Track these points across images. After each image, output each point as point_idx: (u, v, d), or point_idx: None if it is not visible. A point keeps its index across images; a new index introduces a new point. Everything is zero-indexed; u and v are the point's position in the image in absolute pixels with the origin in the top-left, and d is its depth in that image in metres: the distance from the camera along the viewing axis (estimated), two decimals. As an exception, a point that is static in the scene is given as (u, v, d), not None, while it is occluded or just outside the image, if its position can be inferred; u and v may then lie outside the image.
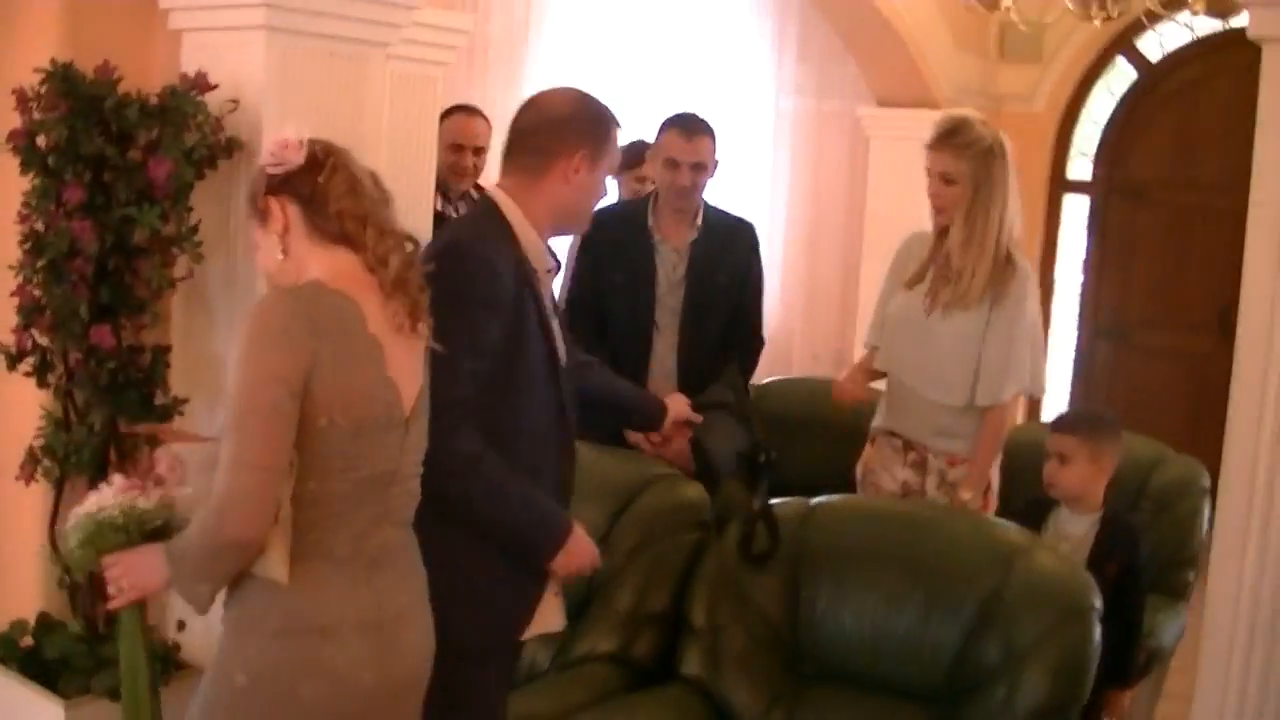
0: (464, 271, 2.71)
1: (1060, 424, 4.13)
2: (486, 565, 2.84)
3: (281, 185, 2.53)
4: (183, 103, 3.59)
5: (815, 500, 3.86)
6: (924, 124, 7.40)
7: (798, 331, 8.06)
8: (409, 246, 2.56)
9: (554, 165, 2.81)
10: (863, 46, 7.60)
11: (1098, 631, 3.40)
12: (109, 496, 2.70)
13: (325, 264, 2.51)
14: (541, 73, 6.52)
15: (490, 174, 5.26)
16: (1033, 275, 4.10)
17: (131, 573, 2.59)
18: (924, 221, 7.20)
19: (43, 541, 4.11)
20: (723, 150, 4.54)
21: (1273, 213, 2.91)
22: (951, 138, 4.00)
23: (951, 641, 3.44)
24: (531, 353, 2.79)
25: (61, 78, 3.55)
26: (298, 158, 2.52)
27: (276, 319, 2.39)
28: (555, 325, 2.92)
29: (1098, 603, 3.43)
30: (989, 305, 3.98)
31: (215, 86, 3.65)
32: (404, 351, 2.51)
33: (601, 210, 4.09)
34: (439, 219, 4.72)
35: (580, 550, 2.90)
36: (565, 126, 2.83)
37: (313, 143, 2.55)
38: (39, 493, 4.10)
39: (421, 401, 2.56)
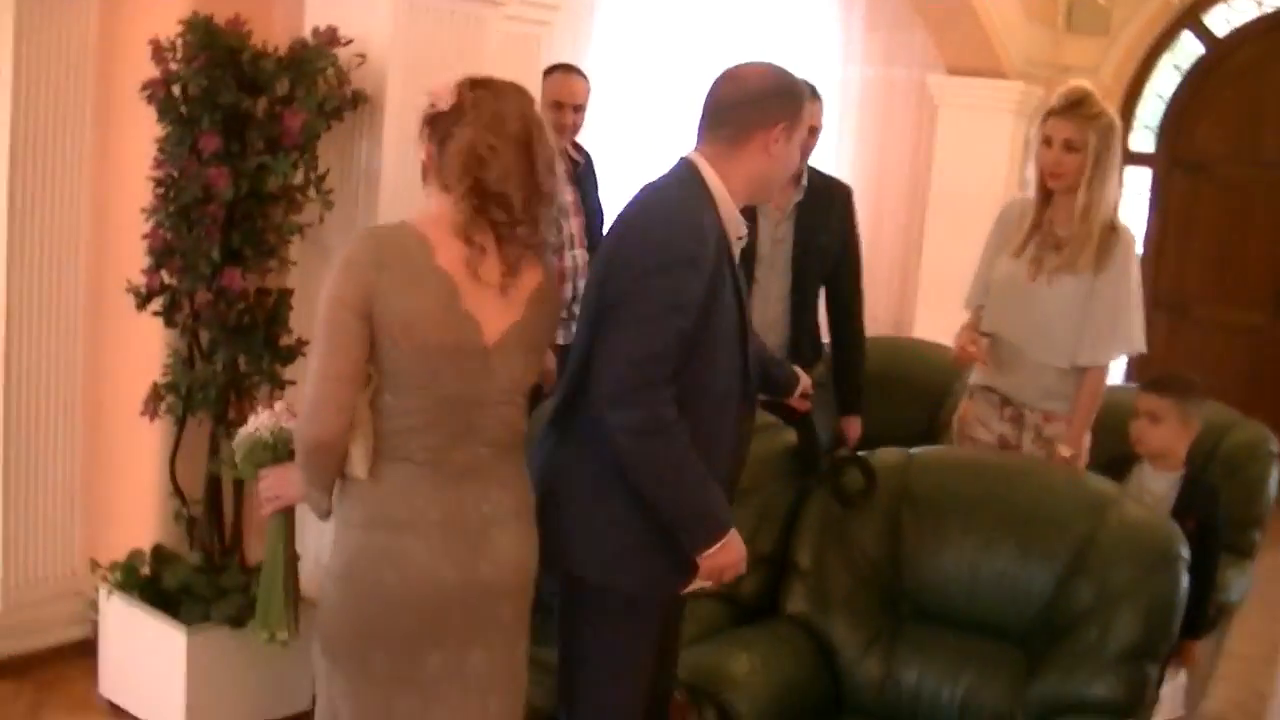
0: (671, 232, 2.80)
1: (1154, 385, 4.26)
2: (645, 533, 2.89)
3: (427, 124, 2.73)
4: (315, 56, 3.74)
5: (914, 450, 4.01)
6: (993, 93, 7.60)
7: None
8: (524, 205, 2.70)
9: (754, 137, 2.89)
10: (933, 14, 7.66)
11: (1185, 579, 3.53)
12: (264, 420, 2.96)
13: (430, 204, 2.73)
14: (608, 42, 6.62)
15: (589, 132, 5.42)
16: (1135, 241, 4.19)
17: (278, 484, 2.89)
18: (990, 188, 7.36)
19: (162, 476, 4.30)
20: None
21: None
22: (1079, 108, 4.07)
23: (1045, 585, 3.58)
24: (724, 313, 2.87)
25: (203, 30, 3.70)
26: (443, 103, 2.69)
27: (348, 253, 2.65)
28: (744, 289, 3.00)
29: (1185, 552, 3.57)
30: (1094, 270, 4.09)
31: (349, 41, 3.79)
32: (489, 288, 2.69)
33: None
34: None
35: (731, 554, 2.91)
36: (767, 100, 2.91)
37: (463, 92, 2.70)
38: (156, 431, 4.28)
39: (513, 336, 2.73)
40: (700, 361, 2.80)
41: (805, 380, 3.47)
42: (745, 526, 3.41)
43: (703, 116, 2.95)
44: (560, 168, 5.11)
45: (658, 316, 2.72)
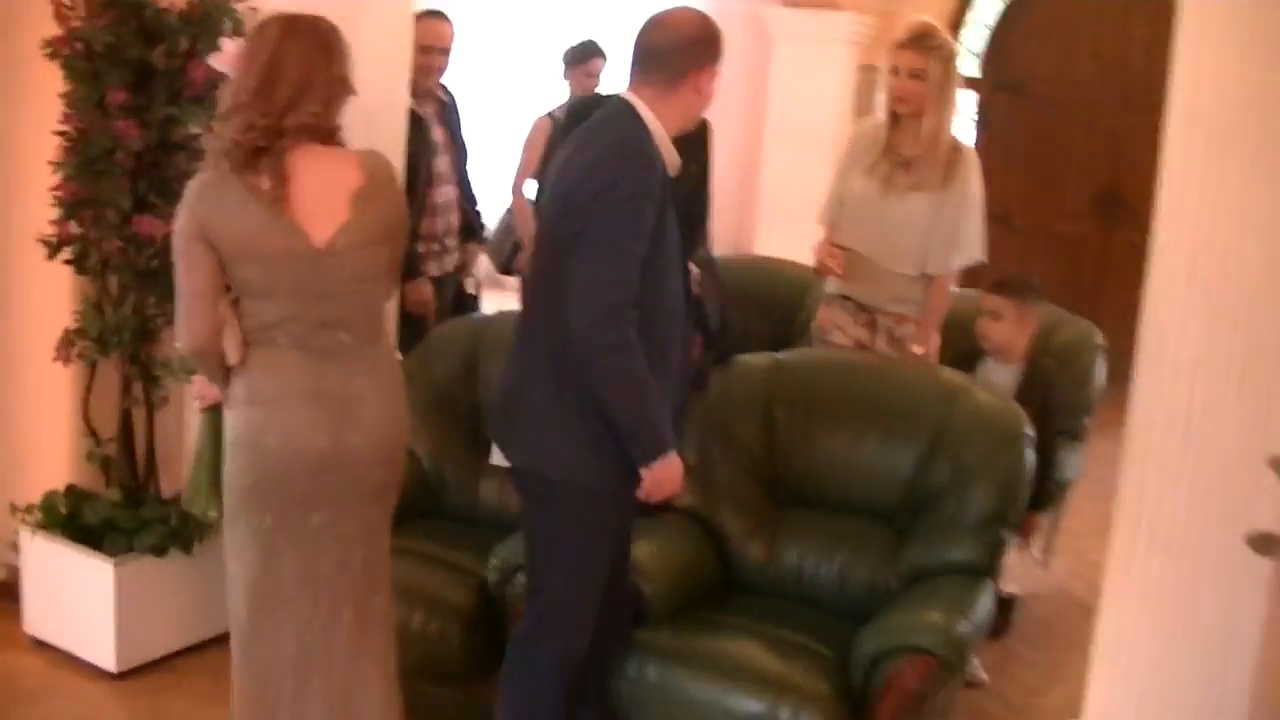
0: (631, 167, 3.12)
1: (996, 286, 4.76)
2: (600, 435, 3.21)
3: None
4: (218, 10, 3.95)
5: (781, 354, 4.41)
6: (828, 25, 7.89)
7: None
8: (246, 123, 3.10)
9: (688, 78, 3.21)
10: None
11: (1031, 454, 3.98)
12: None
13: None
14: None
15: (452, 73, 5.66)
16: (978, 160, 4.61)
17: (202, 386, 3.43)
18: (826, 115, 7.70)
19: (73, 420, 4.49)
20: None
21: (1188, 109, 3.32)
22: (923, 40, 4.47)
23: (907, 467, 4.00)
24: (669, 239, 3.21)
25: (108, -11, 3.90)
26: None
27: (184, 195, 3.18)
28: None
29: (1029, 430, 4.01)
30: (941, 188, 4.50)
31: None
32: (311, 199, 3.12)
33: (585, 99, 4.52)
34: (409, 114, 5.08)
35: (670, 475, 3.25)
36: (696, 45, 3.24)
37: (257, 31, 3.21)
38: (64, 376, 4.47)
39: (343, 236, 3.16)
40: (653, 283, 3.13)
41: (694, 270, 3.78)
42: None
43: (636, 60, 3.25)
44: (429, 106, 5.41)
45: (621, 245, 3.06)
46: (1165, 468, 3.27)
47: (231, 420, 3.25)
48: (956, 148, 4.55)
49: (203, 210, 3.11)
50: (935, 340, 4.65)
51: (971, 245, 4.56)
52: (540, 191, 4.39)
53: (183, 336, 3.20)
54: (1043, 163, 9.07)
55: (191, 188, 3.18)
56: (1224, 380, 3.15)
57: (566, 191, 3.16)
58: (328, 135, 3.19)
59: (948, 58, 4.47)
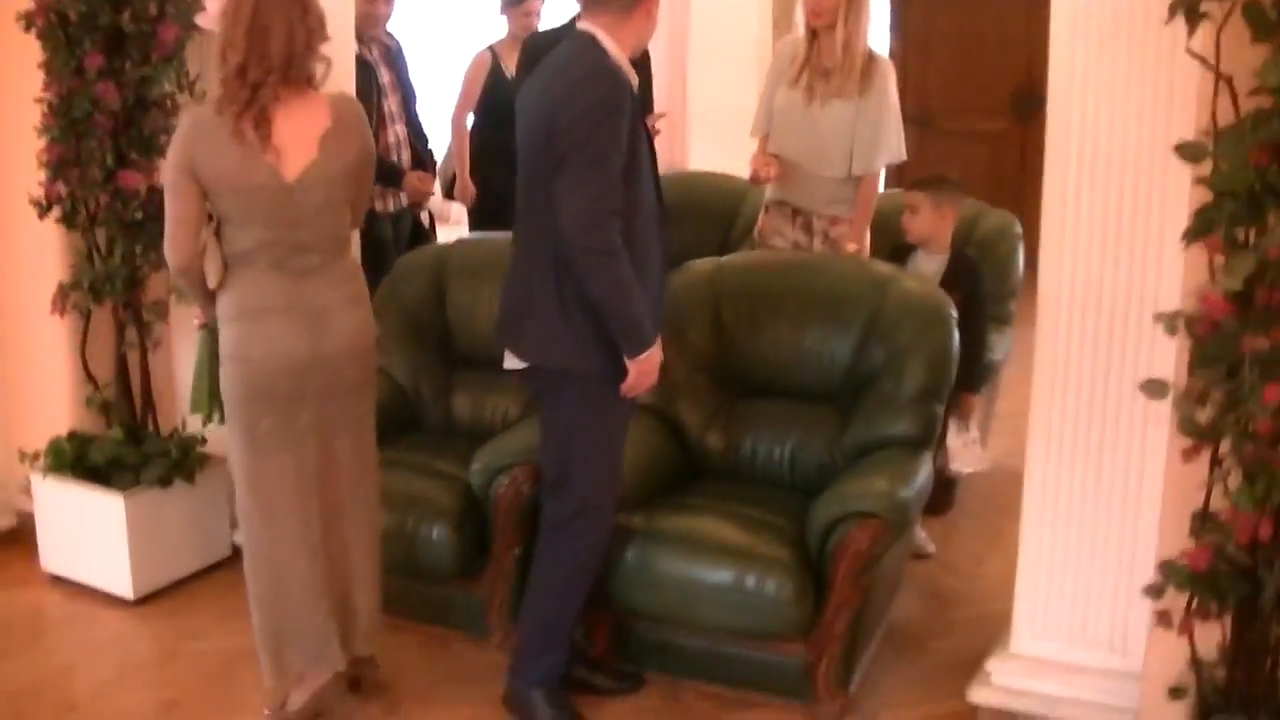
0: (607, 86, 3.50)
1: (913, 183, 5.12)
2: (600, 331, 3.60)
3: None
4: (180, -28, 4.25)
5: (723, 258, 4.79)
6: None
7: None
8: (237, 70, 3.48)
9: (639, 5, 3.60)
10: None
11: (956, 334, 4.36)
12: None
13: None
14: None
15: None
16: (891, 67, 4.96)
17: (198, 310, 3.86)
18: (747, 32, 7.94)
19: (72, 367, 4.80)
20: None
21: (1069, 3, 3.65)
22: None
23: (846, 352, 4.39)
24: (641, 146, 3.59)
25: (81, -40, 4.18)
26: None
27: (177, 131, 3.63)
28: None
29: (954, 312, 4.40)
30: (859, 94, 4.85)
31: (208, -41, 4.30)
32: (285, 140, 3.51)
33: (537, 35, 4.83)
34: (357, 60, 5.36)
35: (649, 369, 3.66)
36: None
37: None
38: (63, 328, 4.78)
39: (312, 172, 3.55)
40: (631, 188, 3.52)
41: None
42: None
43: None
44: (376, 51, 5.70)
45: (604, 157, 3.44)
46: (1071, 332, 3.61)
47: (223, 336, 3.68)
48: (872, 57, 4.90)
49: (192, 147, 3.52)
50: (866, 237, 5.03)
51: (891, 146, 4.93)
52: (501, 121, 4.65)
53: (169, 256, 3.64)
54: (960, 63, 9.36)
55: (183, 125, 3.63)
56: (1115, 248, 3.52)
57: (549, 115, 3.51)
58: (306, 81, 3.55)
59: None
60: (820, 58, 4.90)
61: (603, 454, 3.78)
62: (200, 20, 4.32)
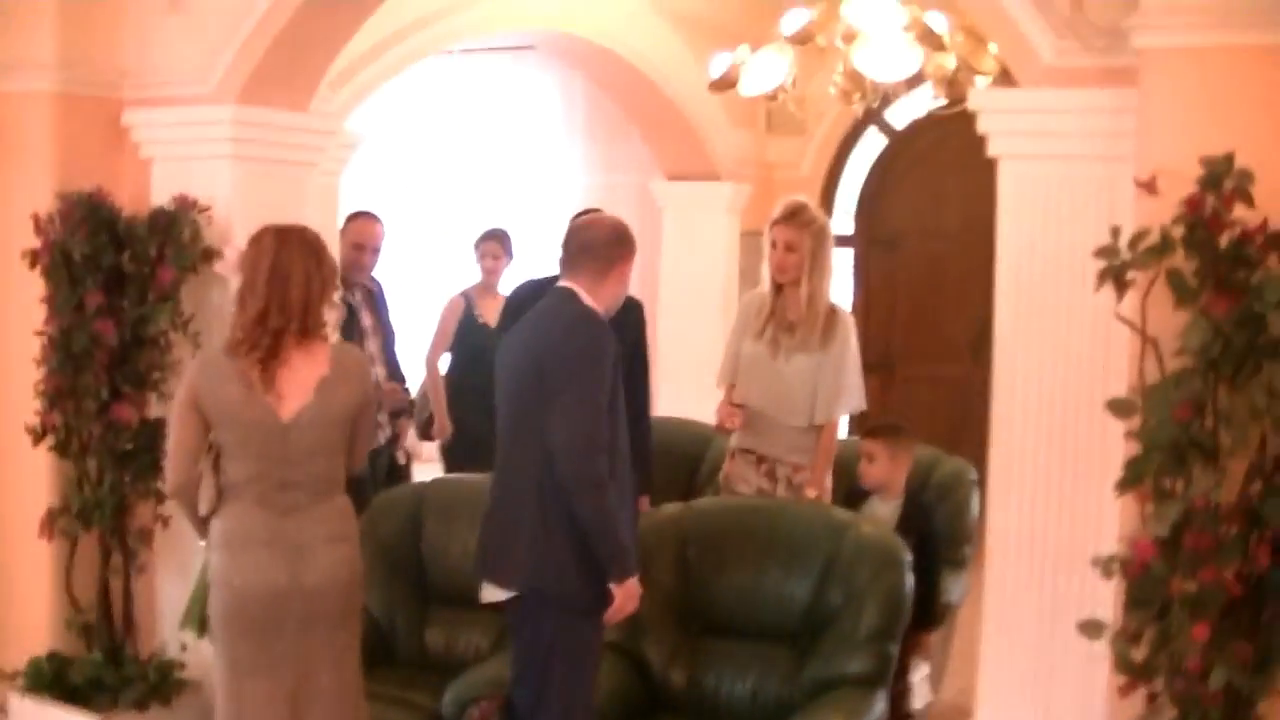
0: (596, 333, 3.85)
1: (868, 432, 5.33)
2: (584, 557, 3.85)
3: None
4: (182, 220, 4.51)
5: (691, 502, 5.01)
6: (708, 193, 8.45)
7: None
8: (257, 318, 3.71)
9: (614, 268, 3.95)
10: (649, 125, 8.53)
11: (910, 577, 4.53)
12: None
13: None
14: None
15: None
16: (852, 320, 5.23)
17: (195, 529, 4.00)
18: (714, 278, 8.24)
19: (54, 590, 4.92)
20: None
21: (1012, 269, 3.98)
22: (796, 216, 5.08)
23: (805, 594, 4.55)
24: (620, 393, 3.88)
25: (85, 205, 4.46)
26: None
27: (187, 370, 3.93)
28: None
29: (908, 556, 4.57)
30: (821, 347, 5.09)
31: (208, 208, 4.57)
32: (286, 383, 3.72)
33: (521, 285, 5.11)
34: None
35: (633, 593, 3.95)
36: (621, 241, 4.00)
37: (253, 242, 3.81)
38: (48, 551, 4.92)
39: (306, 414, 3.75)
40: (612, 427, 3.81)
41: None
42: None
43: (573, 254, 3.97)
44: (359, 295, 5.95)
45: (595, 398, 3.75)
46: (1019, 572, 3.81)
47: (210, 561, 3.84)
48: (834, 310, 5.17)
49: (198, 383, 3.78)
50: (827, 482, 5.22)
51: (852, 396, 5.17)
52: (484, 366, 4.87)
53: (168, 478, 3.90)
54: (920, 310, 9.59)
55: (194, 363, 3.94)
56: (1059, 493, 3.72)
57: (540, 358, 3.81)
58: (315, 329, 3.79)
59: (819, 232, 5.08)
60: (785, 312, 5.14)
61: (578, 683, 3.93)
62: (219, 268, 4.58)
